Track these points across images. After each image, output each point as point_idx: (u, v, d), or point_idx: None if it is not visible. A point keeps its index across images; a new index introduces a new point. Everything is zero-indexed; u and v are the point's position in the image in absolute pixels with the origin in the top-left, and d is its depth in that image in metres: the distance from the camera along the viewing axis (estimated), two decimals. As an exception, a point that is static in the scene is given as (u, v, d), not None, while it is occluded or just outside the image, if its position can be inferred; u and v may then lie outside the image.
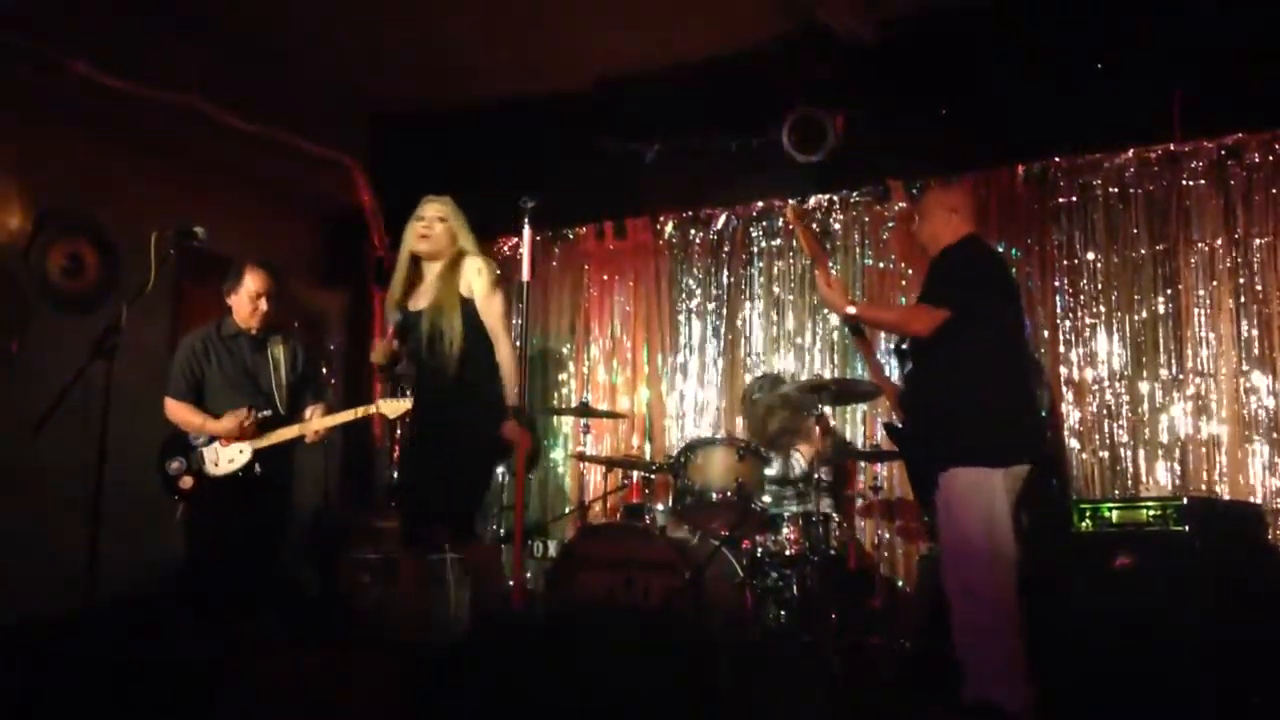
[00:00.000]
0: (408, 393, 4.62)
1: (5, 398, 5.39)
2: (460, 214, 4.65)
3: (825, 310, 6.47)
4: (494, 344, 4.50)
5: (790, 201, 5.43)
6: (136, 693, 3.21)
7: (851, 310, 4.48)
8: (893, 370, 5.09)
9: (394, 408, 4.90)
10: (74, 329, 5.45)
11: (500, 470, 5.96)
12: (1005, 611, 3.95)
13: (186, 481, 4.91)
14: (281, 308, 5.20)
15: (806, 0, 5.59)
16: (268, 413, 4.97)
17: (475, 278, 4.51)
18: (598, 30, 6.14)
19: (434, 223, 4.59)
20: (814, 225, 6.36)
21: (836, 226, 6.49)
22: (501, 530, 6.91)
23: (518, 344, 4.49)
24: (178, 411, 4.97)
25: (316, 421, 4.97)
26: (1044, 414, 5.45)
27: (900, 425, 4.51)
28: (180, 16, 5.95)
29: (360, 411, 5.01)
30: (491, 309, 4.53)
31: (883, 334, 5.64)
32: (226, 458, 4.91)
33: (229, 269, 5.10)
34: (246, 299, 5.00)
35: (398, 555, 5.67)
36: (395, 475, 7.00)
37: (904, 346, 4.46)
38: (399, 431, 7.15)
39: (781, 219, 6.65)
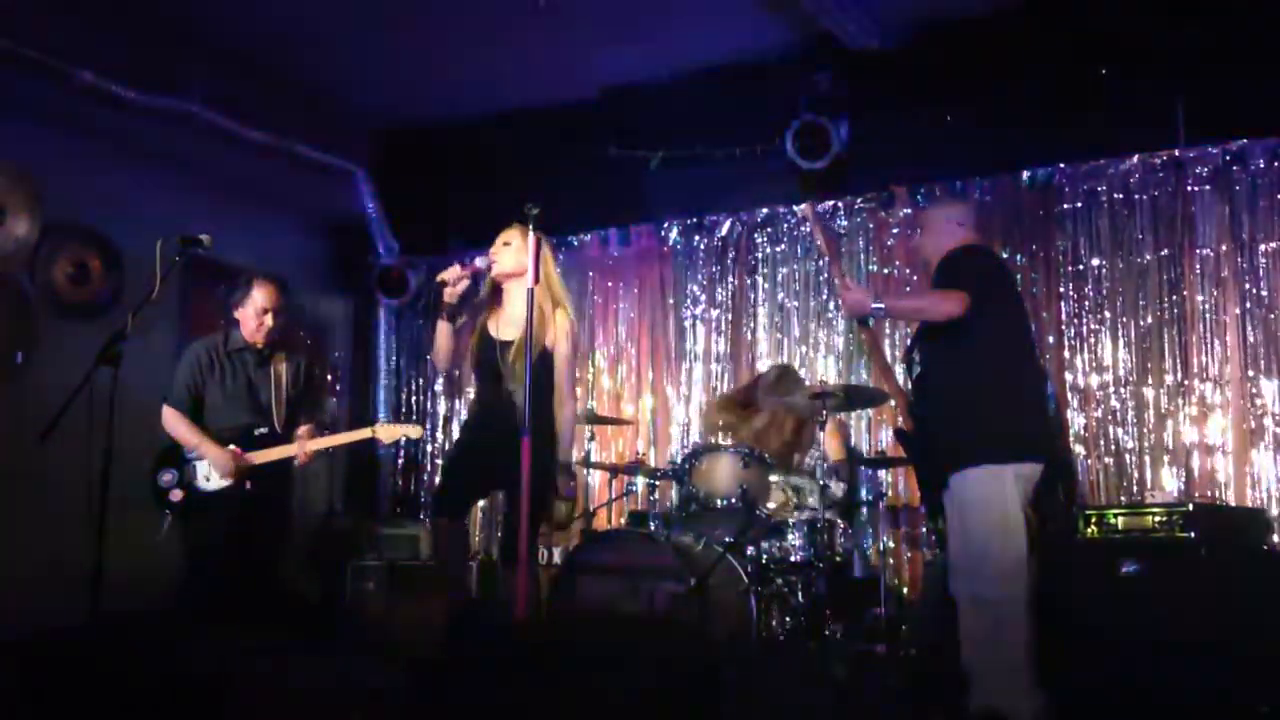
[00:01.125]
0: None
1: (11, 406, 5.40)
2: (536, 239, 4.51)
3: (830, 315, 6.47)
4: (558, 401, 4.44)
5: (806, 203, 5.44)
6: (140, 704, 3.21)
7: (880, 305, 4.37)
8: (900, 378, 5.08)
9: (389, 433, 4.89)
10: (80, 337, 5.46)
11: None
12: (1014, 619, 3.93)
13: (176, 495, 4.90)
14: (288, 322, 5.20)
15: (811, 8, 5.59)
16: (263, 430, 4.96)
17: (563, 339, 4.45)
18: (602, 40, 6.15)
19: (500, 246, 4.53)
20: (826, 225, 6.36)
21: (841, 232, 6.49)
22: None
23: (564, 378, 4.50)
24: (175, 423, 4.95)
25: (307, 443, 4.96)
26: (1052, 414, 5.45)
27: (909, 431, 4.49)
28: (186, 28, 5.97)
29: (356, 435, 5.00)
30: (567, 372, 4.49)
31: (894, 338, 5.66)
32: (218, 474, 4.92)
33: (237, 281, 5.10)
34: (253, 313, 4.99)
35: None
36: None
37: (914, 355, 4.45)
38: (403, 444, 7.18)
39: (786, 225, 6.67)
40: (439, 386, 7.65)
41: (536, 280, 4.09)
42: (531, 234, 4.11)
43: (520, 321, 4.38)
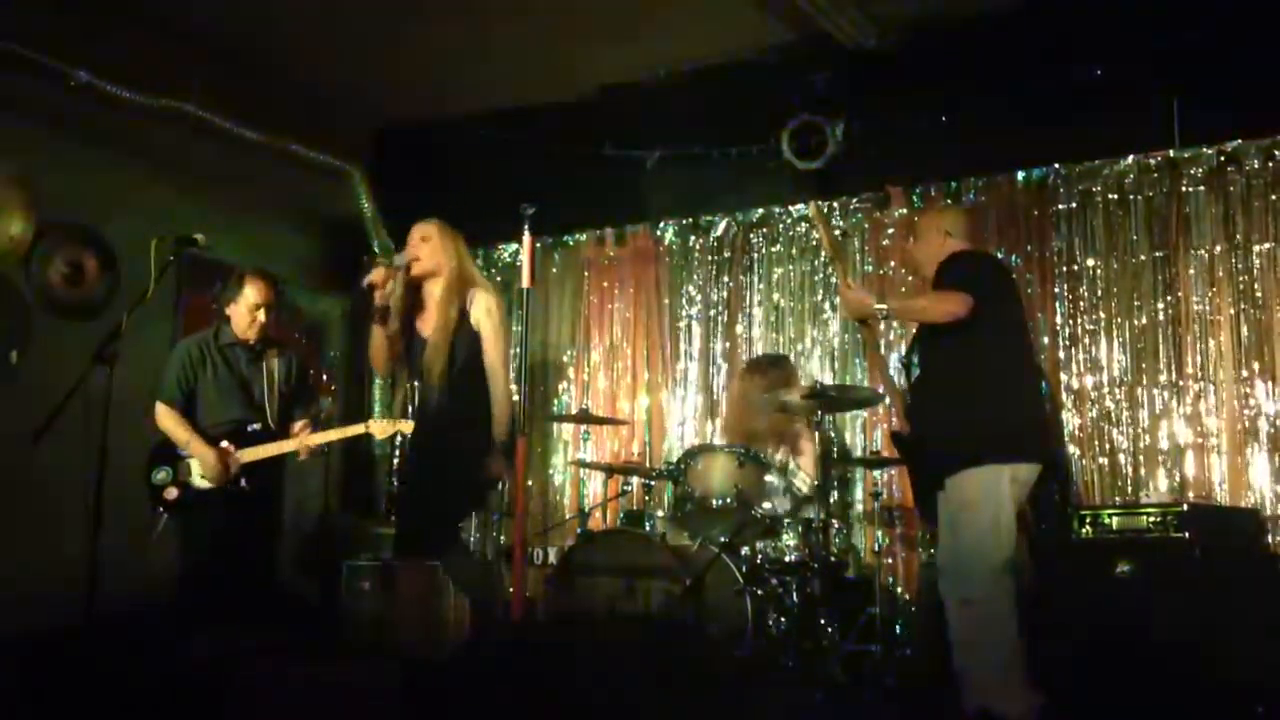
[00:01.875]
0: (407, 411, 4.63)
1: (6, 406, 5.39)
2: (448, 231, 4.59)
3: (825, 317, 6.48)
4: (491, 381, 4.48)
5: (813, 202, 5.46)
6: (136, 703, 3.21)
7: (883, 306, 4.33)
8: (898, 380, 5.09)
9: (383, 429, 4.91)
10: (75, 337, 5.46)
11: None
12: (1003, 620, 3.94)
13: (171, 492, 4.90)
14: (280, 318, 5.20)
15: (807, 8, 5.60)
16: (256, 426, 4.96)
17: (484, 318, 4.48)
18: (599, 40, 6.15)
19: (418, 244, 4.56)
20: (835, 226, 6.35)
21: (836, 233, 6.49)
22: (502, 538, 6.93)
23: (517, 351, 4.49)
24: (167, 419, 4.95)
25: (307, 438, 4.96)
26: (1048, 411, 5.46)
27: (906, 433, 4.50)
28: (182, 28, 5.96)
29: (351, 430, 5.02)
30: (497, 349, 4.51)
31: (894, 340, 5.67)
32: None
33: (228, 278, 5.10)
34: (245, 309, 4.99)
35: (397, 565, 5.67)
36: (395, 484, 7.01)
37: (912, 357, 4.45)
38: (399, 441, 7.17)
39: (781, 225, 6.67)
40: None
41: (534, 280, 4.10)
42: (527, 234, 4.12)
43: (434, 319, 4.44)
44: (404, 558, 4.61)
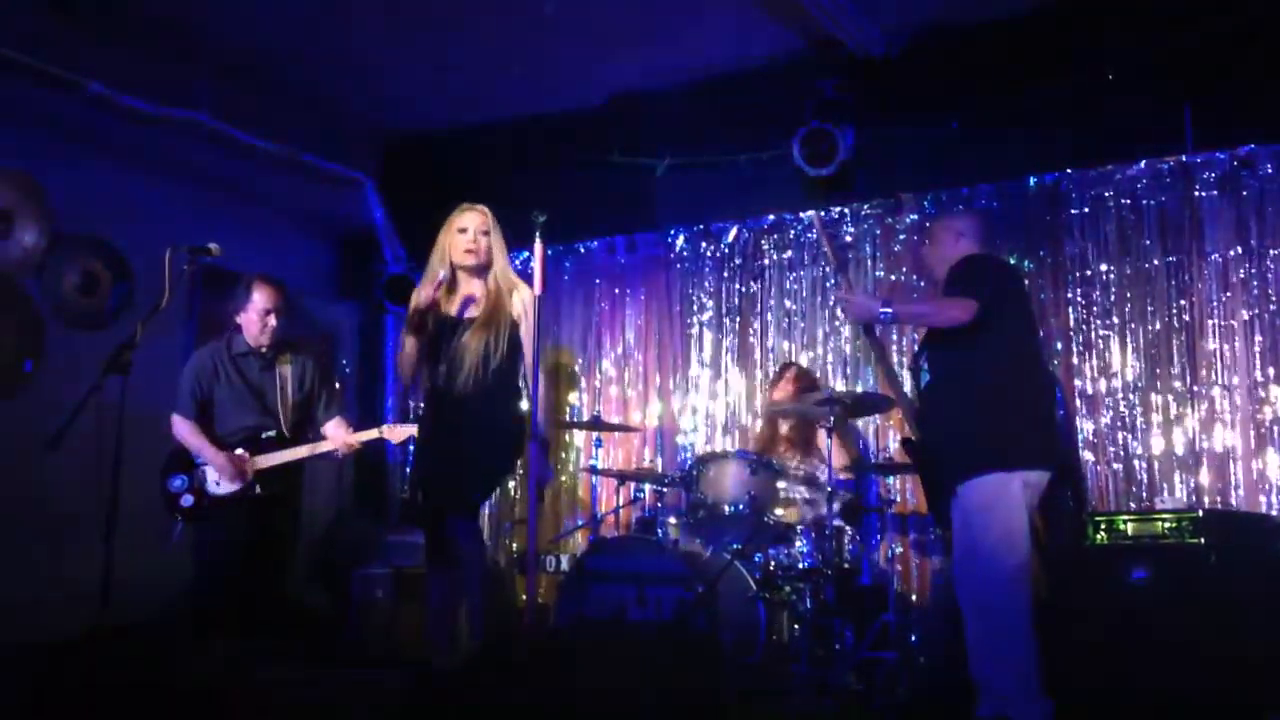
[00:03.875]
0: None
1: (20, 415, 5.42)
2: (498, 225, 4.55)
3: (837, 323, 6.47)
4: (528, 373, 4.41)
5: (815, 214, 5.46)
6: (148, 713, 3.22)
7: (888, 310, 4.32)
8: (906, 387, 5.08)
9: (398, 434, 4.94)
10: (88, 347, 5.48)
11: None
12: (1019, 626, 3.93)
13: (187, 501, 4.92)
14: (291, 323, 5.22)
15: (816, 15, 5.60)
16: (271, 432, 4.98)
17: (524, 314, 4.44)
18: (609, 48, 6.15)
19: (478, 235, 4.46)
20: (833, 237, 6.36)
21: (848, 239, 6.49)
22: (515, 545, 6.94)
23: (529, 358, 4.48)
24: (183, 429, 4.99)
25: (346, 436, 5.00)
26: (1060, 418, 5.44)
27: (916, 440, 4.49)
28: (195, 39, 5.98)
29: (367, 435, 5.06)
30: (529, 343, 4.46)
31: (901, 345, 5.66)
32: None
33: (237, 287, 5.12)
34: (256, 316, 5.02)
35: (418, 570, 5.64)
36: (409, 471, 6.95)
37: (921, 362, 4.45)
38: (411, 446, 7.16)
39: (793, 232, 6.67)
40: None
41: (544, 288, 4.10)
42: (539, 242, 4.12)
43: (482, 305, 4.42)
44: (426, 529, 4.54)
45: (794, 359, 6.47)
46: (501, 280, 4.47)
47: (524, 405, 4.44)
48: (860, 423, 6.19)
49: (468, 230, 4.46)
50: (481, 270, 4.48)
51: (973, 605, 4.05)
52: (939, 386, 4.32)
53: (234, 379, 5.03)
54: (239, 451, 4.92)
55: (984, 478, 4.05)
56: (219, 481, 4.92)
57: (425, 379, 4.48)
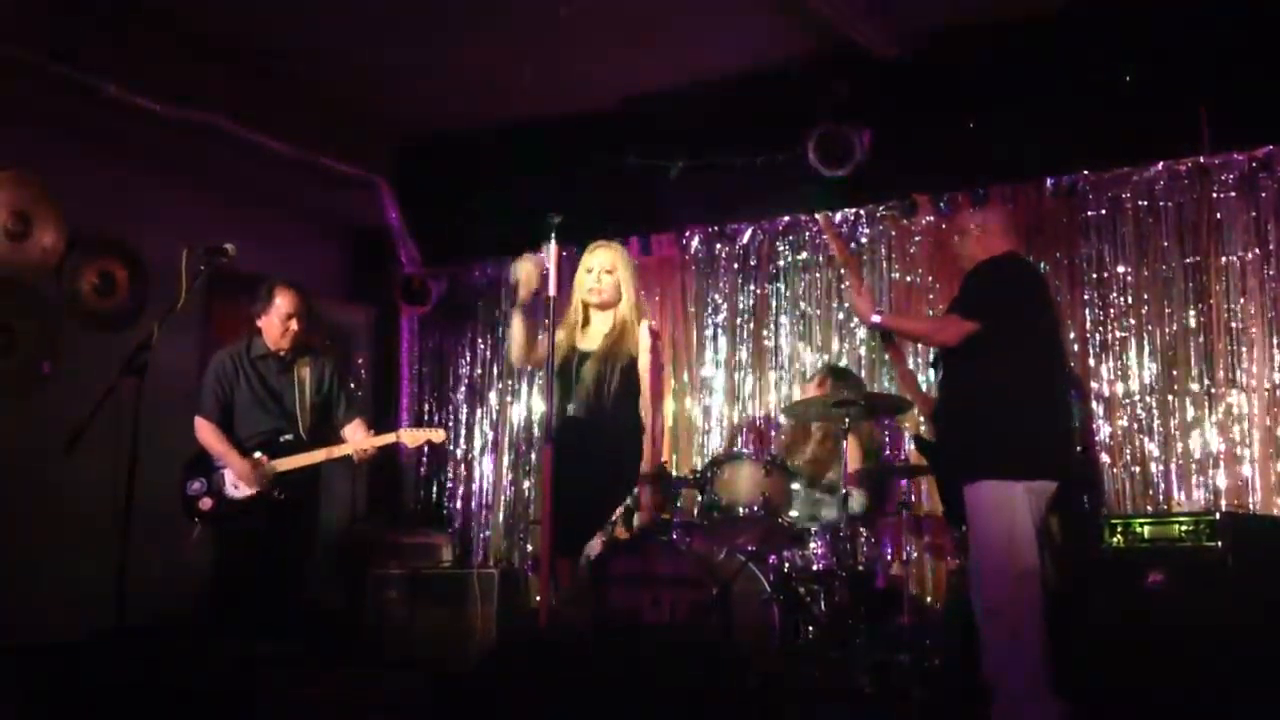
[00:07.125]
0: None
1: (37, 416, 5.44)
2: (628, 263, 4.76)
3: (853, 324, 6.45)
4: (651, 409, 4.67)
5: (822, 213, 5.46)
6: (165, 714, 3.23)
7: (876, 319, 4.50)
8: (926, 383, 5.07)
9: (414, 438, 4.97)
10: (105, 348, 5.49)
11: None
12: (1029, 629, 3.92)
13: (206, 503, 4.94)
14: (311, 327, 5.23)
15: (830, 16, 5.59)
16: (289, 436, 4.99)
17: (644, 353, 4.66)
18: (623, 49, 6.15)
19: (602, 275, 4.70)
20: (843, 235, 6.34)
21: (863, 240, 6.47)
22: (530, 547, 6.94)
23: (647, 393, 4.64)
24: (205, 432, 5.01)
25: (364, 440, 5.02)
26: (1075, 426, 5.41)
27: (930, 439, 4.49)
28: (210, 40, 6.01)
29: (383, 439, 5.09)
30: (652, 379, 4.69)
31: (917, 345, 5.64)
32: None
33: (258, 290, 5.13)
34: (277, 320, 5.03)
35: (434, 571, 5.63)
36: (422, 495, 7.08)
37: (937, 362, 4.45)
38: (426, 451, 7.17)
39: (807, 233, 6.65)
40: (461, 395, 7.66)
41: (560, 289, 4.13)
42: (553, 243, 4.14)
43: (600, 339, 4.64)
44: (563, 554, 4.68)
45: (805, 361, 6.46)
46: (628, 315, 4.68)
47: (644, 439, 4.63)
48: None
49: (593, 270, 4.72)
50: (607, 306, 4.70)
51: (984, 608, 4.05)
52: (951, 388, 4.32)
53: (253, 382, 5.06)
54: (258, 455, 4.94)
55: (986, 483, 4.05)
56: (237, 485, 4.94)
57: (556, 409, 4.53)
